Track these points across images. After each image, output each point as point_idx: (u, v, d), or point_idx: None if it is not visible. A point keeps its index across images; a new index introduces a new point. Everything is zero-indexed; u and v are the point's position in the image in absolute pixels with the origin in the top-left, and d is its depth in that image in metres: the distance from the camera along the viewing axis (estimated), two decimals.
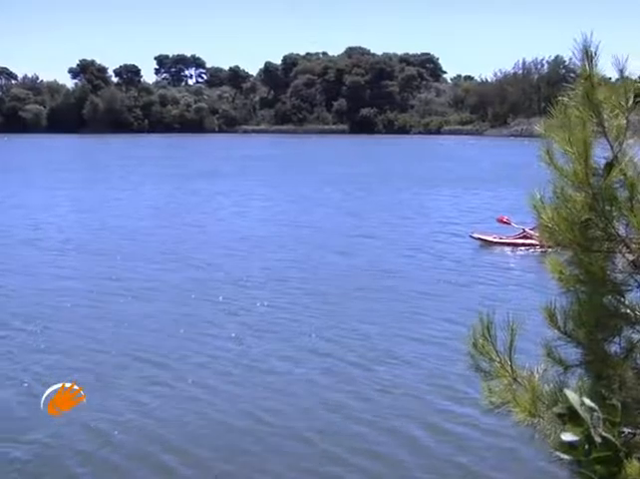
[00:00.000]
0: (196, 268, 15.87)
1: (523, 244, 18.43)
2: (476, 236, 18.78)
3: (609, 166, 2.71)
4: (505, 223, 19.11)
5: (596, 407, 1.39)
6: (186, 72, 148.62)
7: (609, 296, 2.90)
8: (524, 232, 18.46)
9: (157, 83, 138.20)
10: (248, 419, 8.25)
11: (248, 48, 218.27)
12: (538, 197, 2.85)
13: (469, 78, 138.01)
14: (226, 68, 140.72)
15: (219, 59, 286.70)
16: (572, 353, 2.99)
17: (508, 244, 18.65)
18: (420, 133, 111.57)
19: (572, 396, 1.42)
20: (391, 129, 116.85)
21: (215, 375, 9.56)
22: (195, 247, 18.41)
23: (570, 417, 1.40)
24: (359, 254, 17.16)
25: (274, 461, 7.21)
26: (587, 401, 1.40)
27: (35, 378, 9.13)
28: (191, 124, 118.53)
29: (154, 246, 18.46)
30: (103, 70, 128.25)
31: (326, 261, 16.15)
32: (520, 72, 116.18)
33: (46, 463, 7.17)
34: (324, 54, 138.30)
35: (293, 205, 26.91)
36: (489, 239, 18.73)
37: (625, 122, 2.72)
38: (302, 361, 9.91)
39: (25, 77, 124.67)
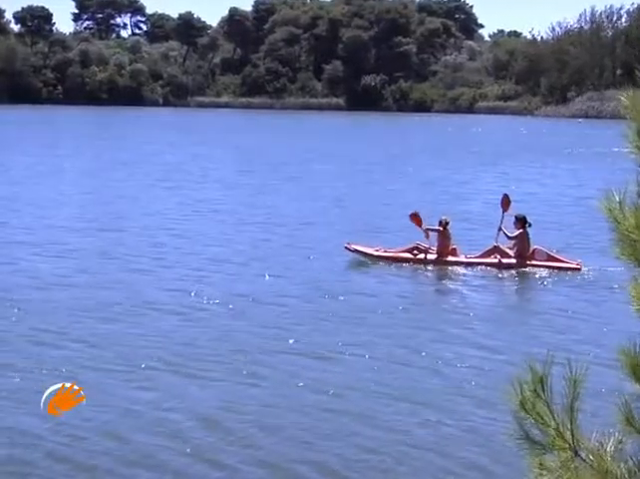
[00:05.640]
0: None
1: (413, 260, 19.44)
2: (352, 247, 19.67)
3: None
4: (416, 222, 19.79)
5: None
6: (118, 20, 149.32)
7: None
8: (417, 245, 19.53)
9: (76, 34, 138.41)
10: (245, 420, 10.39)
11: None
12: (617, 198, 2.83)
13: (515, 34, 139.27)
14: (175, 15, 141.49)
15: (165, 3, 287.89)
16: None
17: (394, 259, 19.59)
18: (445, 110, 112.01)
19: None
20: (404, 104, 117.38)
21: (216, 371, 12.04)
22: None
23: None
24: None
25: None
26: None
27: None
28: (125, 93, 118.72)
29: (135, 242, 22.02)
30: None
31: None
32: (588, 27, 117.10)
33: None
34: None
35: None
36: (370, 251, 19.71)
37: None
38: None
39: None
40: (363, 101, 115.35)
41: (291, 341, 13.44)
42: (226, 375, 11.88)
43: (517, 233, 18.98)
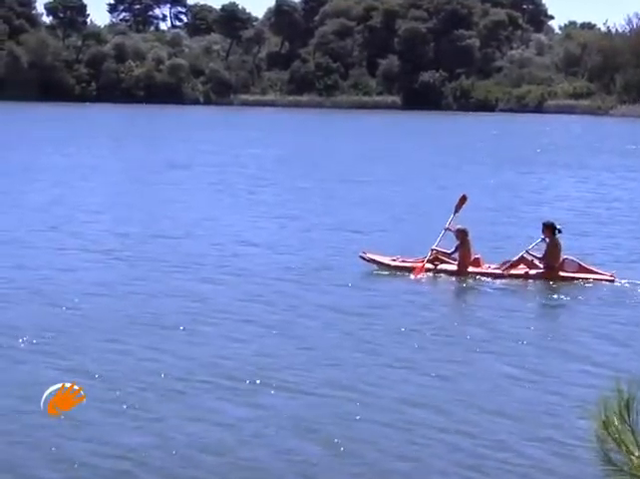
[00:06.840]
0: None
1: (432, 270, 19.74)
2: (367, 257, 19.96)
3: None
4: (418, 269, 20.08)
5: None
6: (157, 11, 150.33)
7: None
8: (436, 251, 19.77)
9: (111, 27, 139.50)
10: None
11: None
12: None
13: (588, 27, 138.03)
14: (218, 7, 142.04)
15: None
16: None
17: (411, 269, 19.89)
18: (510, 110, 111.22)
19: None
20: (466, 103, 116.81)
21: (295, 383, 12.65)
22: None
23: None
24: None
25: None
26: None
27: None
28: (164, 90, 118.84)
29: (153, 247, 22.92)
30: (27, 4, 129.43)
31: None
32: None
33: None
34: None
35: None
36: (386, 261, 19.98)
37: None
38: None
39: None
40: (421, 99, 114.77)
41: (377, 353, 13.91)
42: (307, 387, 12.35)
43: (545, 246, 19.07)
